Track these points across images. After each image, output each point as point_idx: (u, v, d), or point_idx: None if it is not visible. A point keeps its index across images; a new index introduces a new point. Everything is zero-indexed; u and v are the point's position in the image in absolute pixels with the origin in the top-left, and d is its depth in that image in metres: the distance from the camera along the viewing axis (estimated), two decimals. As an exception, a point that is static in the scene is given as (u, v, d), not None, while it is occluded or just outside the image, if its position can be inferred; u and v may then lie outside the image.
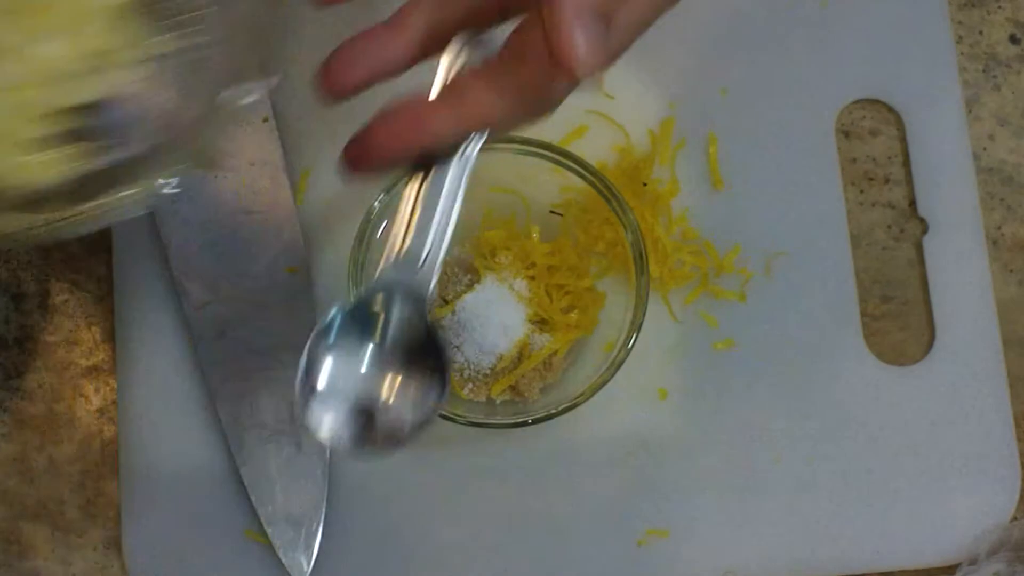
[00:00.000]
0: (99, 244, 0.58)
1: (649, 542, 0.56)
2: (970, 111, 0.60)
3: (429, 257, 0.41)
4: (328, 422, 0.41)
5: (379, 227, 0.52)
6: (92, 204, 0.37)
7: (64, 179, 0.37)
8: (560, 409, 0.51)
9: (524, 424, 0.51)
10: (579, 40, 0.37)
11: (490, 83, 0.40)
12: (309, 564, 0.54)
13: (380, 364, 0.42)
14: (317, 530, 0.55)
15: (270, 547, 0.55)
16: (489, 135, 0.41)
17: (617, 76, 0.58)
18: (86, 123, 0.37)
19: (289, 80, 0.58)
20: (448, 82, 0.41)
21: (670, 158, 0.58)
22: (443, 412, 0.51)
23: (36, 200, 0.37)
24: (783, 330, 0.57)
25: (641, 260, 0.52)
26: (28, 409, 0.57)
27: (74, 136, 0.37)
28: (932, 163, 0.58)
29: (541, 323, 0.54)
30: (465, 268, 0.55)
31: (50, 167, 0.36)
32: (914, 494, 0.56)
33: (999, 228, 0.59)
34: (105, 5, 0.37)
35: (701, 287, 0.57)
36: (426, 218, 0.41)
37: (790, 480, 0.56)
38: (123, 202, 0.38)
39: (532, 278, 0.54)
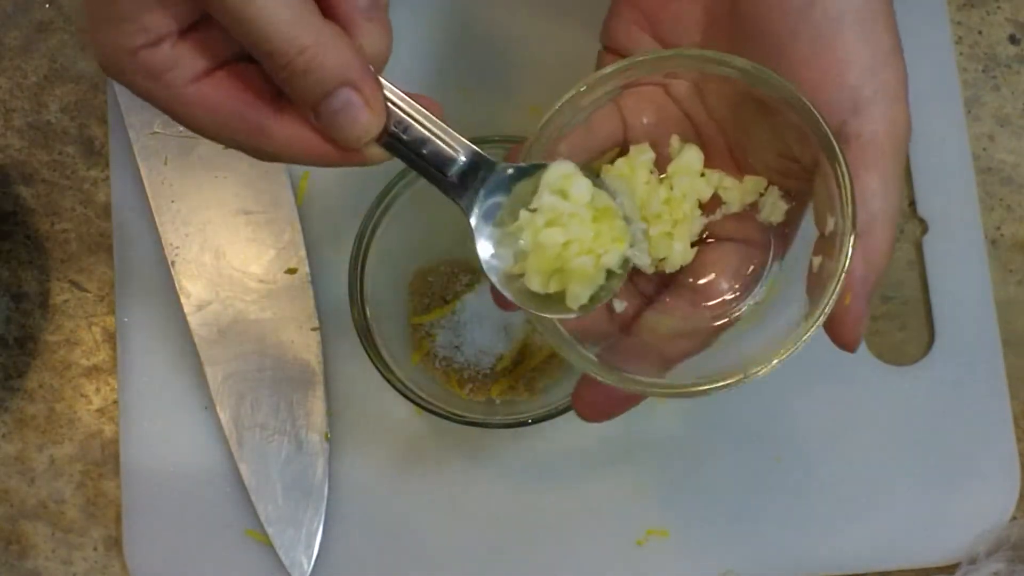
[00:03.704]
0: (100, 244, 0.58)
1: (649, 542, 0.56)
2: (969, 111, 0.60)
3: None
4: None
5: (379, 227, 0.52)
6: None
7: None
8: (560, 409, 0.51)
9: (524, 424, 0.51)
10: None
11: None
12: (309, 564, 0.54)
13: None
14: (317, 530, 0.55)
15: (270, 547, 0.55)
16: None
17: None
18: None
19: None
20: None
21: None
22: (443, 412, 0.51)
23: None
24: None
25: None
26: (29, 409, 0.57)
27: None
28: (932, 163, 0.58)
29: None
30: (465, 268, 0.55)
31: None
32: (914, 494, 0.56)
33: (998, 228, 0.59)
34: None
35: (701, 287, 0.57)
36: None
37: (790, 480, 0.56)
38: None
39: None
